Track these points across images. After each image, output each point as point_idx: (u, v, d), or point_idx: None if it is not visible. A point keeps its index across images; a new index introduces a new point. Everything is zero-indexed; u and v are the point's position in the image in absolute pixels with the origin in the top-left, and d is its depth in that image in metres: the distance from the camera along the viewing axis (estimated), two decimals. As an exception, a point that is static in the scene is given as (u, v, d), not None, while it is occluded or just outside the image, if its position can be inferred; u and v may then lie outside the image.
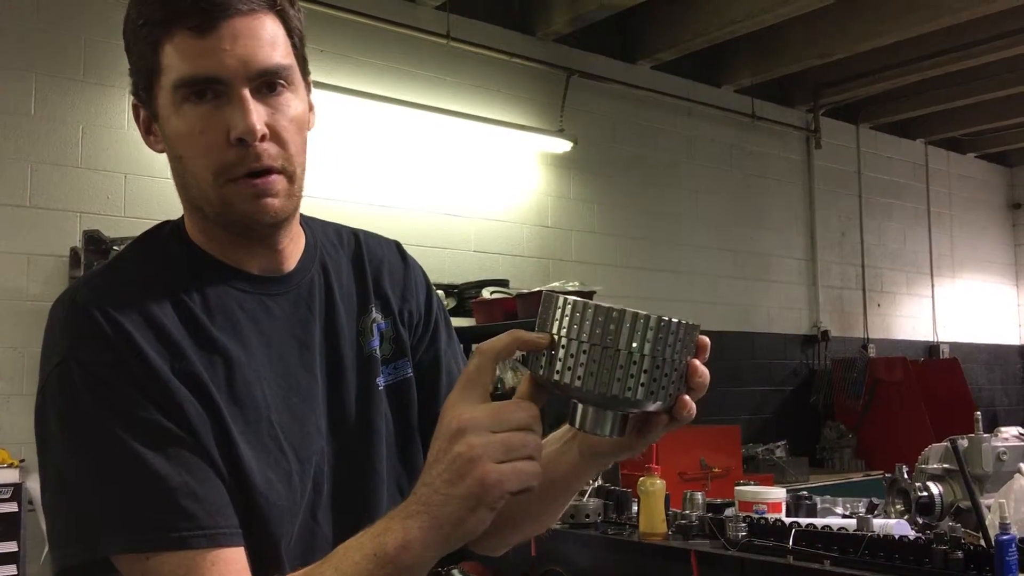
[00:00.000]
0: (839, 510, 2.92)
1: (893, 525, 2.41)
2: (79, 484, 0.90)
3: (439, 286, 4.57)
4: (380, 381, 1.11)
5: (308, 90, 1.07)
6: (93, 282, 1.00)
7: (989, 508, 2.21)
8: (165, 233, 1.07)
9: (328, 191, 4.48)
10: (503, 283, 4.79)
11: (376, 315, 1.14)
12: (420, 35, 4.89)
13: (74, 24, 3.95)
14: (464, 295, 4.70)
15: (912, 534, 2.29)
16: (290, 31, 1.01)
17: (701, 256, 6.25)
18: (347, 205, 4.56)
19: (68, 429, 0.91)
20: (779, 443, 5.89)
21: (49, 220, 3.84)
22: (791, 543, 2.37)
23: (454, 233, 5.05)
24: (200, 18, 0.94)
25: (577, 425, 0.86)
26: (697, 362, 0.84)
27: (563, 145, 5.31)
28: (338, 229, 1.19)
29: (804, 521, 2.51)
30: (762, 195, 6.72)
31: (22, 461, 3.29)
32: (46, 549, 1.07)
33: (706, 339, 0.85)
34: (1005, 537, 1.97)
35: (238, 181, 0.98)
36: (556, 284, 4.39)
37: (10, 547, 3.13)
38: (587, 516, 2.92)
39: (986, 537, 2.11)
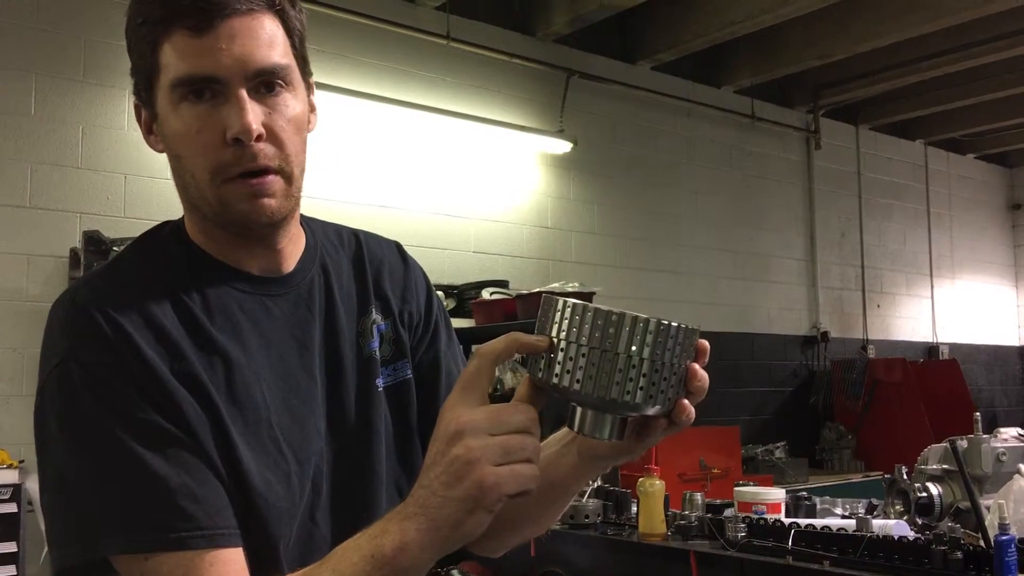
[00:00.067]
0: (838, 511, 2.92)
1: (892, 526, 2.41)
2: (78, 484, 0.90)
3: (439, 287, 4.57)
4: (379, 382, 1.11)
5: (310, 91, 1.07)
6: (93, 283, 1.00)
7: (988, 509, 2.21)
8: (165, 233, 1.07)
9: (328, 192, 4.48)
10: (503, 284, 4.79)
11: (376, 316, 1.14)
12: (420, 36, 4.89)
13: (74, 24, 3.96)
14: (464, 296, 4.70)
15: (911, 535, 2.29)
16: (290, 31, 1.01)
17: (701, 257, 6.26)
18: (347, 206, 4.56)
19: (68, 429, 0.91)
20: (778, 444, 5.89)
21: (49, 221, 3.84)
22: (790, 544, 2.37)
23: (454, 234, 5.05)
24: (198, 17, 0.94)
25: (576, 428, 0.86)
26: (696, 366, 0.84)
27: (563, 146, 5.31)
28: (339, 230, 1.19)
29: (803, 522, 2.51)
30: (762, 196, 6.72)
31: (21, 462, 3.29)
32: (45, 550, 1.07)
33: (705, 343, 0.85)
34: (1004, 538, 1.97)
35: (234, 181, 0.98)
36: (556, 285, 4.39)
37: (9, 548, 3.13)
38: (586, 517, 2.92)
39: (985, 538, 2.11)
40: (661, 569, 2.70)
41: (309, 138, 1.05)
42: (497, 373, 0.87)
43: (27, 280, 3.77)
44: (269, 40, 0.98)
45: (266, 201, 0.99)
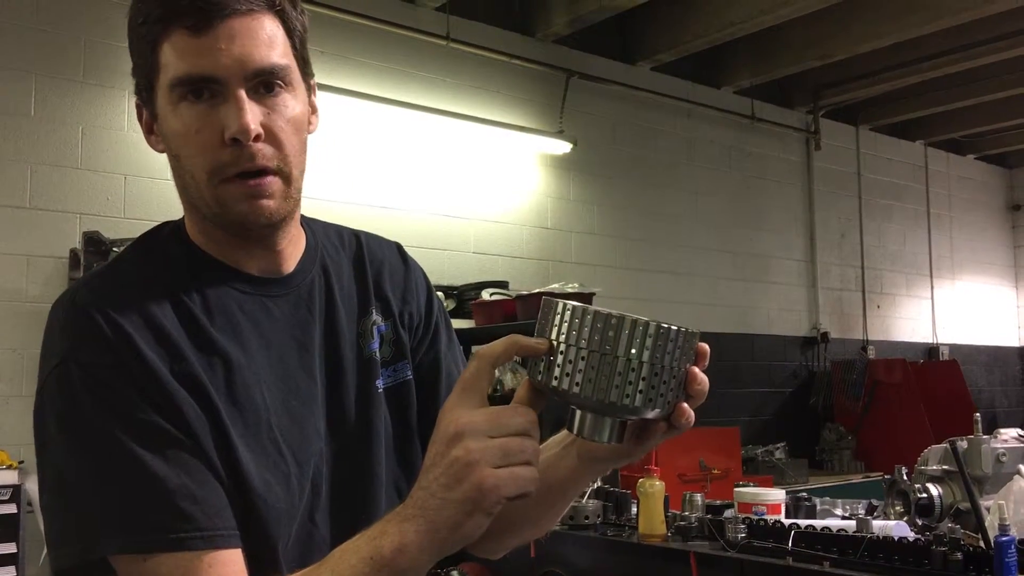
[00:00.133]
0: (838, 512, 2.92)
1: (892, 526, 2.41)
2: (78, 485, 0.90)
3: (438, 288, 4.57)
4: (379, 383, 1.11)
5: (311, 92, 1.07)
6: (93, 283, 1.00)
7: (988, 509, 2.21)
8: (165, 234, 1.07)
9: (328, 192, 4.48)
10: (503, 285, 4.79)
11: (376, 317, 1.13)
12: (420, 36, 4.89)
13: (74, 25, 3.96)
14: (464, 297, 4.70)
15: (911, 535, 2.29)
16: (290, 32, 1.01)
17: (701, 257, 6.25)
18: (347, 206, 4.56)
19: (67, 430, 0.91)
20: (778, 445, 5.89)
21: (49, 221, 3.84)
22: (790, 545, 2.37)
23: (454, 234, 5.05)
24: (197, 17, 0.94)
25: (575, 431, 0.86)
26: (696, 369, 0.84)
27: (563, 146, 5.31)
28: (339, 230, 1.19)
29: (803, 523, 2.50)
30: (762, 196, 6.72)
31: (21, 463, 3.29)
32: (45, 550, 1.07)
33: (706, 347, 0.85)
34: (1004, 538, 1.97)
35: (232, 181, 0.97)
36: (556, 286, 4.38)
37: (9, 548, 3.13)
38: (586, 517, 2.92)
39: (985, 538, 2.11)
40: (661, 570, 2.70)
41: (309, 139, 1.05)
42: (497, 374, 0.87)
43: (27, 281, 3.77)
44: (269, 40, 0.97)
45: (264, 202, 0.99)
